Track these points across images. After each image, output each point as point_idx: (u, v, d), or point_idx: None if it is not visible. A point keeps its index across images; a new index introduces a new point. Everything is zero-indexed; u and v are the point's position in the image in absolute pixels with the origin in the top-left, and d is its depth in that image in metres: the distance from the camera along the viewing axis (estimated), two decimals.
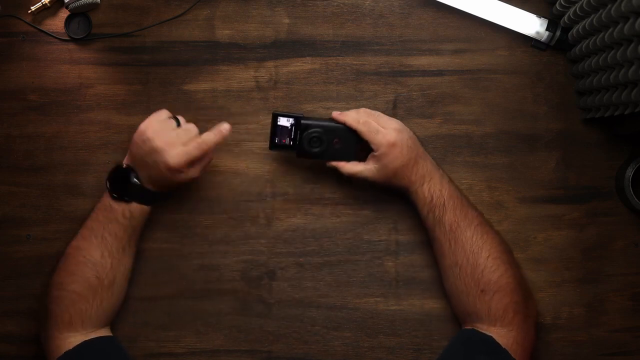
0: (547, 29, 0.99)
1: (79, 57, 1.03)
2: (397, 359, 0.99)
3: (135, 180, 0.91)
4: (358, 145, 0.94)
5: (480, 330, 0.89)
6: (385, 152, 0.91)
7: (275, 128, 0.95)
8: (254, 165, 1.01)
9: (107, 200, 0.92)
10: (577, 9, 0.91)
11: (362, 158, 0.94)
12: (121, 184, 0.91)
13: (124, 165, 0.93)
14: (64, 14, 1.03)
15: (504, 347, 0.86)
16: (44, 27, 1.03)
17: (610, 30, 0.85)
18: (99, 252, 0.91)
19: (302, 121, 0.94)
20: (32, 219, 1.01)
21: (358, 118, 0.93)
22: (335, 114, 0.94)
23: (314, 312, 1.00)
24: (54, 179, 1.02)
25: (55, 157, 1.02)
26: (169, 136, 0.89)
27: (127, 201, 0.91)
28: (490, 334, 0.88)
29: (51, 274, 0.94)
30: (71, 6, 1.00)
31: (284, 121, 0.94)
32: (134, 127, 1.01)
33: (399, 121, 0.94)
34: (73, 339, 0.89)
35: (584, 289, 1.00)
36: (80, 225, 0.94)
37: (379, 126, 0.92)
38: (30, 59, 1.03)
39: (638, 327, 0.99)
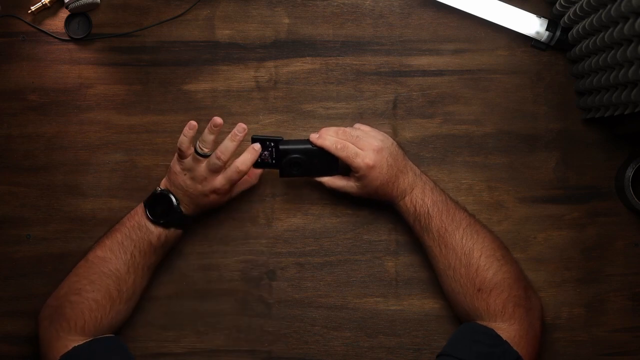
0: (547, 29, 0.99)
1: (79, 57, 1.03)
2: (397, 359, 0.99)
3: (177, 205, 0.93)
4: (339, 159, 0.94)
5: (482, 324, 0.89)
6: (364, 174, 0.91)
7: None
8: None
9: (142, 220, 0.92)
10: (577, 9, 0.91)
11: (345, 169, 0.94)
12: (162, 208, 0.93)
13: (159, 190, 0.94)
14: (64, 14, 1.03)
15: (505, 339, 0.86)
16: (44, 27, 1.03)
17: (610, 30, 0.85)
18: (125, 268, 0.91)
19: (280, 146, 0.93)
20: (32, 219, 1.01)
21: (335, 143, 0.92)
22: (313, 138, 0.93)
23: (314, 312, 1.00)
24: (54, 179, 1.02)
25: (55, 157, 1.02)
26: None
27: (167, 227, 0.93)
28: (491, 328, 0.88)
29: (66, 277, 0.93)
30: (71, 6, 1.00)
31: (264, 144, 0.93)
32: (134, 127, 1.02)
33: (381, 136, 0.94)
34: (82, 342, 0.89)
35: (584, 289, 1.00)
36: (103, 234, 0.94)
37: (357, 149, 0.91)
38: (30, 59, 1.03)
39: (638, 327, 0.99)
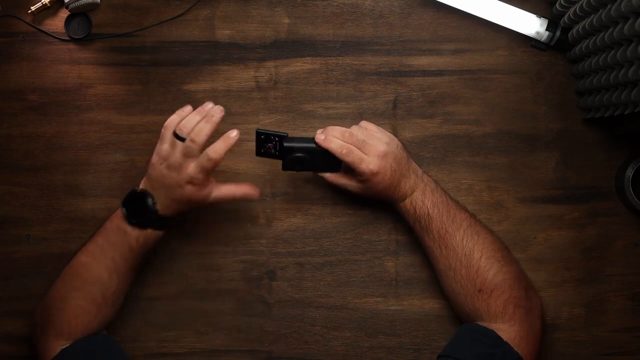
0: (547, 29, 0.99)
1: (79, 57, 1.03)
2: (397, 359, 0.99)
3: (152, 204, 0.89)
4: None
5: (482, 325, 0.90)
6: (368, 179, 0.91)
7: (260, 142, 0.93)
8: (254, 165, 1.01)
9: (120, 222, 0.90)
10: (577, 9, 0.91)
11: (348, 167, 0.94)
12: (137, 208, 0.90)
13: (136, 189, 0.91)
14: (64, 14, 1.03)
15: (505, 340, 0.86)
16: (44, 27, 1.03)
17: (610, 30, 0.85)
18: (107, 273, 0.90)
19: (285, 144, 0.92)
20: (32, 219, 1.01)
21: (341, 147, 0.90)
22: (319, 139, 0.91)
23: (314, 312, 1.00)
24: (54, 179, 1.02)
25: (55, 157, 1.02)
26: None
27: (143, 227, 0.90)
28: (491, 329, 0.88)
29: (52, 283, 0.93)
30: (71, 6, 1.00)
31: (268, 138, 0.92)
32: (134, 127, 1.02)
33: (387, 138, 0.93)
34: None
35: (584, 289, 1.00)
36: (87, 238, 0.93)
37: (362, 154, 0.91)
38: (30, 59, 1.03)
39: (638, 327, 0.99)
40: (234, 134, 0.87)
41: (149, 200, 0.89)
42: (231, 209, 1.01)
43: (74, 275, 0.91)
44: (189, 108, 0.90)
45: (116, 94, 1.03)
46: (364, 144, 0.91)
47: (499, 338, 0.86)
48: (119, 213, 0.91)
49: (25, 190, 1.02)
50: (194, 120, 0.88)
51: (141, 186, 0.91)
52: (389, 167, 0.91)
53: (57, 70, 1.03)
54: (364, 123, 0.95)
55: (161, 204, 0.90)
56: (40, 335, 0.91)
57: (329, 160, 0.93)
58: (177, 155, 0.87)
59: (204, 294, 1.00)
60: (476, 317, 0.90)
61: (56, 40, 1.03)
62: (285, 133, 0.92)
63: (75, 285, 0.90)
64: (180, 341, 0.99)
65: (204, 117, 0.88)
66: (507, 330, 0.87)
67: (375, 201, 0.98)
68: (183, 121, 0.88)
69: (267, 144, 0.93)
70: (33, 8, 1.01)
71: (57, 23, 1.03)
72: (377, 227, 1.01)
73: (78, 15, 1.03)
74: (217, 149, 0.86)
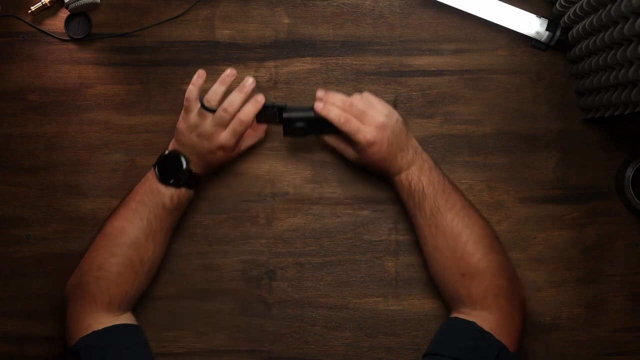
0: (547, 29, 0.99)
1: (79, 57, 1.03)
2: (397, 359, 0.99)
3: (187, 164, 0.93)
4: None
5: (463, 316, 0.89)
6: (364, 148, 0.92)
7: (260, 112, 0.94)
8: (254, 165, 1.01)
9: (154, 183, 0.92)
10: (577, 9, 0.91)
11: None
12: (171, 169, 0.93)
13: (167, 151, 0.94)
14: (64, 14, 1.03)
15: (487, 330, 0.86)
16: (44, 27, 1.03)
17: (610, 30, 0.85)
18: (143, 235, 0.91)
19: (285, 115, 0.93)
20: (32, 219, 1.01)
21: (339, 116, 0.91)
22: (318, 108, 0.92)
23: (314, 312, 1.00)
24: (54, 179, 1.02)
25: (55, 157, 1.02)
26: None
27: (178, 186, 0.93)
28: (472, 320, 0.87)
29: (86, 253, 0.92)
30: (71, 6, 1.00)
31: (266, 108, 0.93)
32: (134, 127, 1.02)
33: (387, 110, 0.93)
34: (104, 320, 0.89)
35: (584, 289, 1.00)
36: (116, 205, 0.94)
37: (360, 124, 0.91)
38: (30, 59, 1.03)
39: (638, 327, 0.99)
40: (260, 97, 0.92)
41: (183, 161, 0.93)
42: (231, 208, 1.01)
43: (109, 241, 0.91)
44: (203, 74, 0.93)
45: (116, 94, 1.03)
46: (363, 114, 0.92)
47: (481, 329, 0.86)
48: (150, 176, 0.93)
49: (25, 190, 1.02)
50: (220, 91, 0.93)
51: (170, 148, 0.95)
52: (386, 139, 0.91)
53: (57, 70, 1.03)
54: (365, 94, 0.95)
55: (193, 164, 0.94)
56: (74, 308, 0.90)
57: (327, 124, 0.93)
58: (208, 125, 0.92)
59: (204, 294, 1.00)
60: (459, 302, 0.90)
61: (56, 40, 1.03)
62: (284, 104, 0.94)
63: (113, 250, 0.90)
64: (180, 341, 0.99)
65: (226, 86, 0.92)
66: (487, 319, 0.87)
67: (377, 200, 0.98)
68: (210, 93, 0.93)
69: (267, 112, 0.94)
70: (33, 8, 1.01)
71: (57, 23, 1.03)
72: (377, 227, 1.01)
73: (78, 15, 1.03)
74: (248, 111, 0.92)
